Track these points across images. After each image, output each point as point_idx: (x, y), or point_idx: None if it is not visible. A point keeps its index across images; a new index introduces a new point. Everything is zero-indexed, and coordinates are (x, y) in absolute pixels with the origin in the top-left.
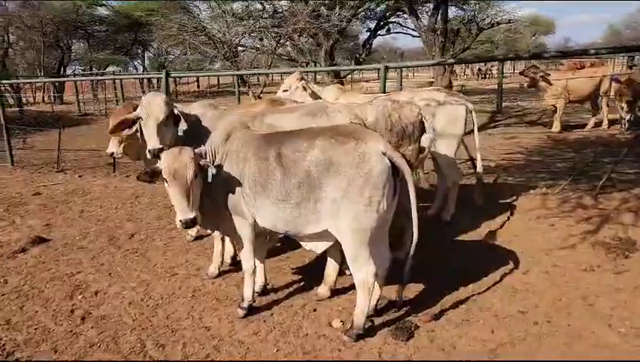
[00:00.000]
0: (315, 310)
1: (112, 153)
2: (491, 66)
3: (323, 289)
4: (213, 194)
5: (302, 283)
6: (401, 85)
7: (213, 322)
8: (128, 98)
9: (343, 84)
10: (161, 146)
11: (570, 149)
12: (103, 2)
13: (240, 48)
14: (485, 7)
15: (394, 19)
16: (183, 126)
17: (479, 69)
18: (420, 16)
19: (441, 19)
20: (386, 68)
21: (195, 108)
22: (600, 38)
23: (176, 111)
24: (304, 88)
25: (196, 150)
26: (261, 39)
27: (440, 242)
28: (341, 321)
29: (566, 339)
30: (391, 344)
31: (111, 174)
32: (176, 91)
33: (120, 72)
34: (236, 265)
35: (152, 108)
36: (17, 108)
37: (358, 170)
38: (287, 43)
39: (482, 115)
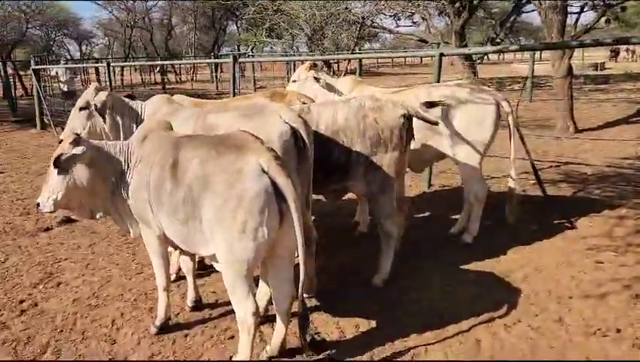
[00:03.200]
0: (232, 337)
1: None
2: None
3: None
4: (129, 200)
5: None
6: (439, 76)
7: (126, 335)
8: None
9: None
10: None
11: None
12: None
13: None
14: None
15: None
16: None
17: (611, 50)
18: None
19: None
20: (441, 55)
21: (149, 105)
22: None
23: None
24: (315, 79)
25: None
26: (399, 18)
27: (433, 268)
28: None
29: None
30: None
31: None
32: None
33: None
34: (205, 269)
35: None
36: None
37: (231, 190)
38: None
39: (629, 107)
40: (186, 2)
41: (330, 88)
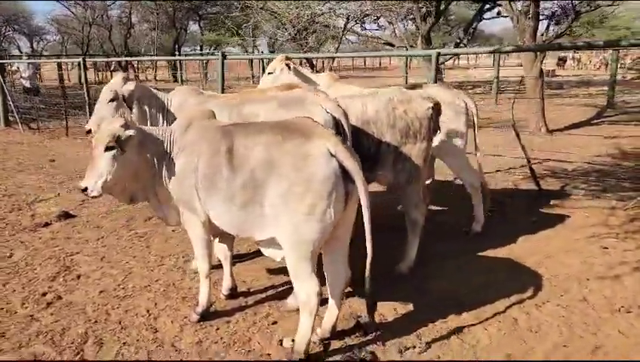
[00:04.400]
0: (275, 323)
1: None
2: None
3: (292, 301)
4: (169, 187)
5: (279, 290)
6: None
7: (166, 324)
8: (242, 78)
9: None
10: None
11: None
12: None
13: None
14: None
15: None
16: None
17: (559, 58)
18: None
19: (533, 1)
20: (439, 54)
21: (174, 96)
22: None
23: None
24: (287, 67)
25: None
26: (363, 22)
27: (447, 256)
28: (292, 340)
29: None
30: None
31: None
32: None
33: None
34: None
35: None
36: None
37: (299, 174)
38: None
39: (589, 109)
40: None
41: (305, 79)
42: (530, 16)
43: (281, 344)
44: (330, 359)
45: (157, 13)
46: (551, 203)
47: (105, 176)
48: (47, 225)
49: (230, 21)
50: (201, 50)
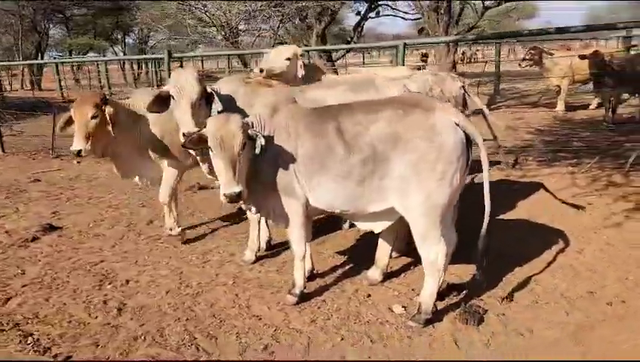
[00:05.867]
0: (369, 295)
1: (80, 151)
2: (477, 50)
3: (375, 274)
4: (259, 173)
5: (346, 268)
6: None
7: (263, 310)
8: (113, 85)
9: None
10: (197, 129)
11: (583, 128)
12: None
13: (240, 28)
14: None
15: (383, 2)
16: (217, 106)
17: (463, 53)
18: None
19: None
20: (405, 45)
21: (225, 85)
22: (580, 22)
23: (209, 90)
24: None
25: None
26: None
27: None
28: (403, 307)
29: None
30: (462, 329)
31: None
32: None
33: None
34: (272, 249)
35: (184, 85)
36: None
37: (430, 143)
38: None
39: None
40: (6, 2)
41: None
42: (443, 11)
43: (392, 311)
44: (448, 315)
45: (21, 17)
46: (520, 173)
47: (243, 172)
48: (35, 239)
49: (106, 23)
50: (70, 55)
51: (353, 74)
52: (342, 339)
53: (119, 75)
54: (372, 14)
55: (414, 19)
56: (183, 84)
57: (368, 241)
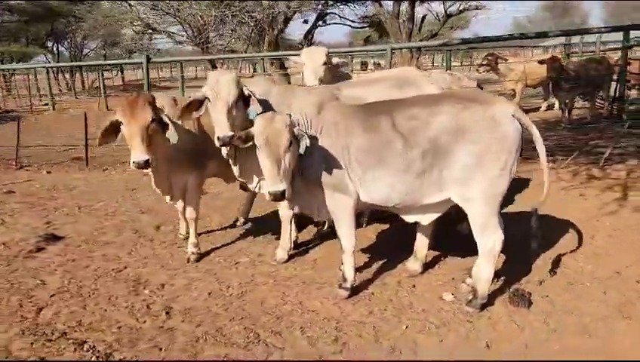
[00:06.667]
0: (414, 286)
1: (147, 161)
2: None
3: (415, 265)
4: (306, 170)
5: (380, 262)
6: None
7: (316, 305)
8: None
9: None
10: (232, 134)
11: (543, 129)
12: None
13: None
14: None
15: (330, 10)
16: (256, 108)
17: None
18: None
19: (409, 4)
20: (392, 49)
21: (257, 86)
22: (506, 33)
23: (246, 92)
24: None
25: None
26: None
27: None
28: (452, 294)
29: None
30: (515, 312)
31: (83, 168)
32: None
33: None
34: (298, 248)
35: (221, 88)
36: None
37: (493, 135)
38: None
39: None
40: None
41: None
42: (405, 18)
43: (442, 299)
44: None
45: None
46: None
47: (290, 170)
48: (40, 249)
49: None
50: (1, 62)
51: (382, 72)
52: (406, 328)
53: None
54: (320, 22)
55: (360, 28)
56: (219, 86)
57: (388, 236)
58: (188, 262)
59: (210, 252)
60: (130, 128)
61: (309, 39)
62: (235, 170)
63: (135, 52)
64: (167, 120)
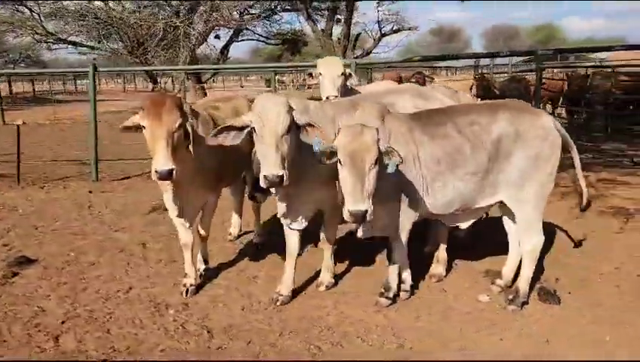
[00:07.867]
0: (444, 290)
1: (172, 170)
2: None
3: (439, 269)
4: (380, 186)
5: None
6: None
7: (360, 314)
8: None
9: (204, 89)
10: (282, 173)
11: None
12: None
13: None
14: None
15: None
16: (321, 138)
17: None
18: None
19: (345, 23)
20: (357, 65)
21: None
22: (397, 54)
23: (303, 121)
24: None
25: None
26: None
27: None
28: (487, 295)
29: None
30: (549, 308)
31: (14, 186)
32: None
33: None
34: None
35: (269, 115)
36: None
37: (545, 141)
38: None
39: None
40: None
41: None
42: (341, 36)
43: (479, 301)
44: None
45: None
46: None
47: (372, 188)
48: (15, 274)
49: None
50: None
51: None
52: (461, 330)
53: None
54: (236, 38)
55: (275, 44)
56: (267, 113)
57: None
58: (186, 295)
59: (220, 266)
60: (154, 132)
61: (225, 54)
62: (282, 207)
63: (22, 61)
64: (190, 129)
